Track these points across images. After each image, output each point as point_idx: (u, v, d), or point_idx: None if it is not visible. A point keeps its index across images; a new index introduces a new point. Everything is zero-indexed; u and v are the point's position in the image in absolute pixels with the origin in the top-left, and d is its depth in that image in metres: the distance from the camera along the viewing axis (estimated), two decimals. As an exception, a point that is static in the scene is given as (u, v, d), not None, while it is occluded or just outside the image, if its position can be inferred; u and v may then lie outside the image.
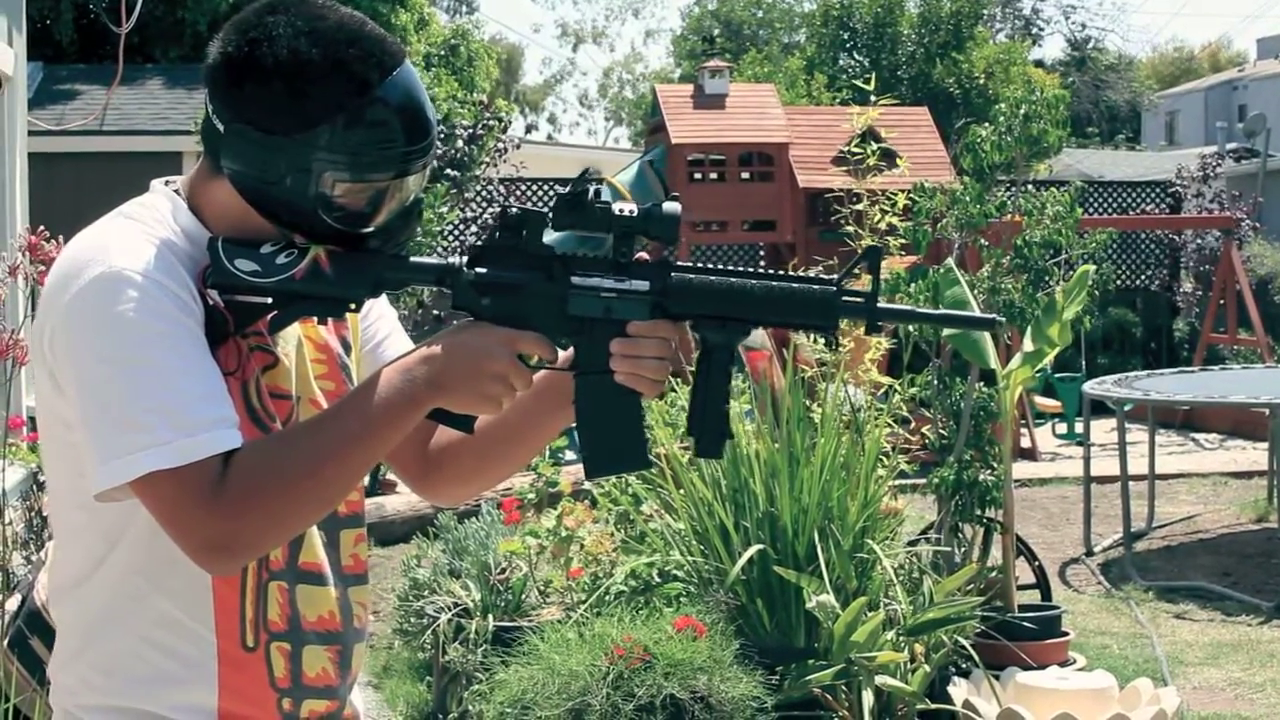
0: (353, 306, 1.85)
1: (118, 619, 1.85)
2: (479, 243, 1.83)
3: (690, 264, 1.82)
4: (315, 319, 1.89)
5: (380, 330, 2.07)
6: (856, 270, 1.86)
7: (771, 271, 1.83)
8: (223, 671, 1.85)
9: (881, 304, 1.84)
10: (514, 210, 1.81)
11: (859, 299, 1.82)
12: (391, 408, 1.76)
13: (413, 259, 1.87)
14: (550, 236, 1.82)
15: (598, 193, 1.77)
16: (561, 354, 1.86)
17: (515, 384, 1.80)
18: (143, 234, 1.80)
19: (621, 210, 1.78)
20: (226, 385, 1.78)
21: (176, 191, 1.90)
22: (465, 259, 1.83)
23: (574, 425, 1.89)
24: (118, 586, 1.84)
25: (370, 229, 1.85)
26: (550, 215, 1.80)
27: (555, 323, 1.80)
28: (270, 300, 1.82)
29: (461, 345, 1.78)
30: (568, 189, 1.78)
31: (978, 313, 1.90)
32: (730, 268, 1.82)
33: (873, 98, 7.32)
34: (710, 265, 1.83)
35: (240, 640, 1.86)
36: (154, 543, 1.78)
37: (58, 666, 1.91)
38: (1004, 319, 1.81)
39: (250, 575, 1.85)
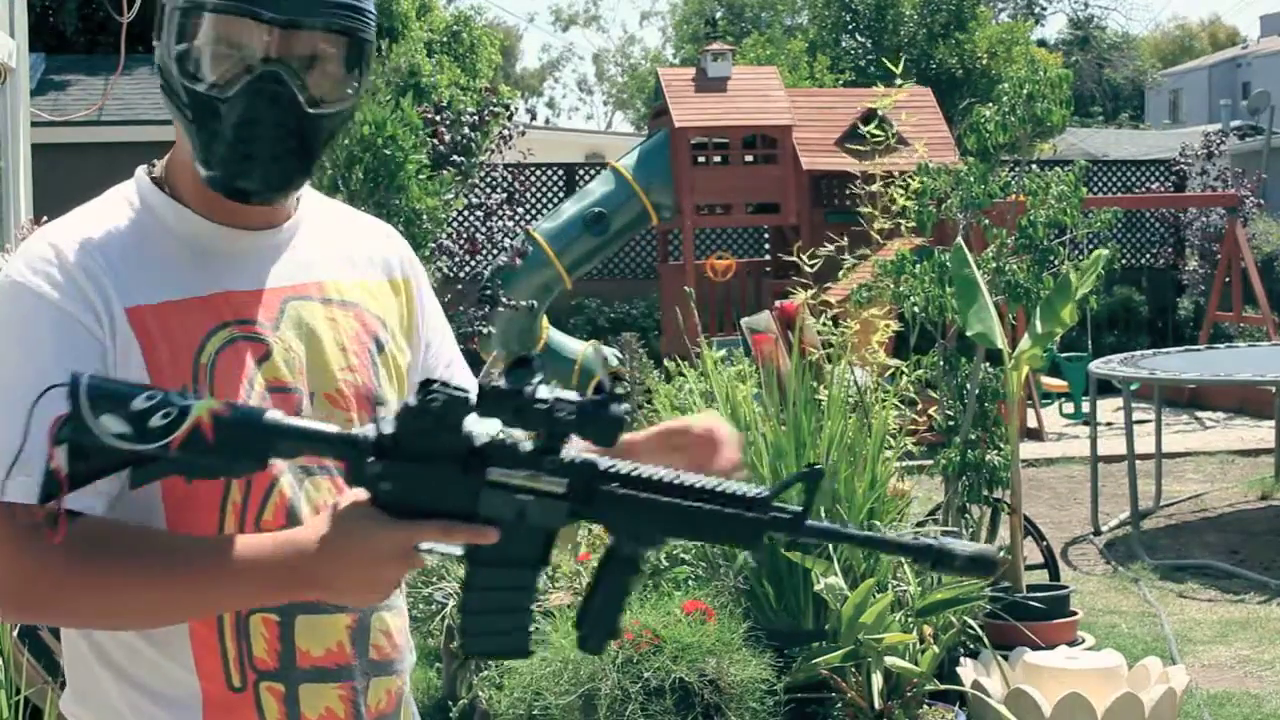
0: (234, 475, 1.67)
1: (107, 658, 1.74)
2: (393, 428, 1.61)
3: (620, 471, 1.66)
4: (186, 479, 1.65)
5: (434, 356, 1.96)
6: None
7: (707, 486, 1.67)
8: (209, 717, 1.72)
9: (810, 523, 1.69)
10: (438, 400, 1.60)
11: (788, 516, 1.68)
12: (257, 587, 1.62)
13: (314, 428, 1.63)
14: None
15: (535, 389, 1.59)
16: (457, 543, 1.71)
17: (408, 574, 1.64)
18: (71, 236, 1.70)
19: (559, 411, 1.60)
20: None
21: (154, 175, 1.80)
22: (374, 433, 1.62)
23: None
24: None
25: (216, 94, 1.68)
26: (476, 402, 1.61)
27: (462, 516, 1.64)
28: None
29: (354, 549, 1.59)
30: (502, 377, 1.61)
31: (914, 539, 1.76)
32: (665, 475, 1.67)
33: (898, 81, 7.30)
34: (641, 471, 1.67)
35: (225, 682, 1.72)
36: None
37: (63, 703, 1.81)
38: (939, 552, 1.67)
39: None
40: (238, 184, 1.71)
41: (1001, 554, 5.96)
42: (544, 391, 1.61)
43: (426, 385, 1.60)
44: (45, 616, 1.65)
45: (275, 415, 1.62)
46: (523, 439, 1.63)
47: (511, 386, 1.60)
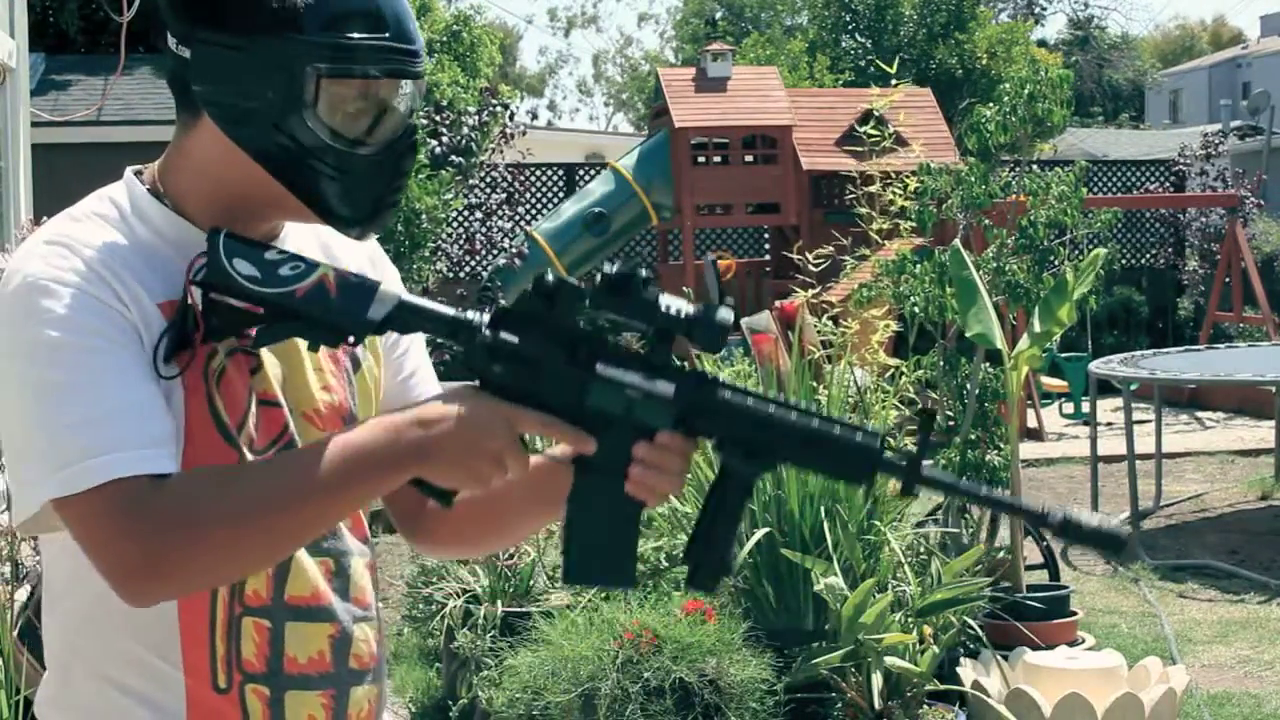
0: (351, 340, 1.69)
1: (84, 657, 1.73)
2: (505, 304, 1.65)
3: (728, 382, 1.64)
4: (309, 345, 1.72)
5: (409, 364, 1.94)
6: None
7: (813, 410, 1.64)
8: (193, 717, 1.70)
9: (925, 470, 1.65)
10: (550, 279, 1.62)
11: (902, 460, 1.64)
12: (370, 468, 1.62)
13: (429, 304, 1.69)
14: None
15: (647, 280, 1.60)
16: (562, 446, 1.72)
17: (510, 467, 1.64)
18: (78, 236, 1.66)
19: (668, 307, 1.60)
20: (178, 393, 1.64)
21: (144, 180, 1.76)
22: (486, 317, 1.66)
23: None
24: (84, 619, 1.72)
25: (365, 152, 1.69)
26: (589, 290, 1.61)
27: (569, 409, 1.63)
28: (260, 311, 1.66)
29: (461, 416, 1.62)
30: (615, 270, 1.61)
31: (1028, 502, 1.69)
32: (771, 395, 1.64)
33: (894, 81, 7.32)
34: (748, 388, 1.64)
35: (211, 681, 1.70)
36: None
37: (40, 702, 1.80)
38: (1062, 516, 1.59)
39: (220, 608, 1.70)
40: (372, 227, 1.77)
41: (1002, 554, 5.96)
42: (651, 290, 1.61)
43: (540, 275, 1.63)
44: (176, 574, 1.57)
45: (392, 287, 1.68)
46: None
47: (623, 272, 1.60)
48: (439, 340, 1.73)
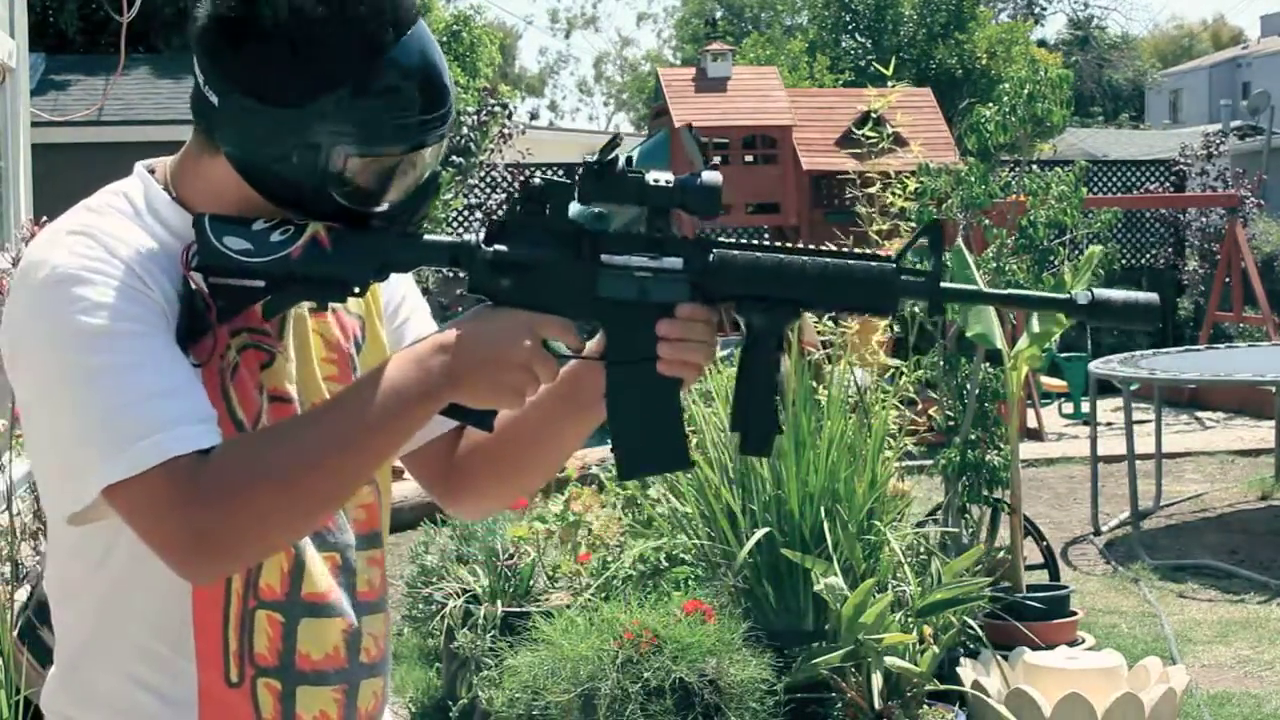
0: (356, 290, 1.67)
1: (96, 650, 1.72)
2: (498, 218, 1.64)
3: (731, 240, 1.65)
4: (316, 305, 1.73)
5: (410, 333, 1.91)
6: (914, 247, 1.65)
7: (822, 249, 1.65)
8: (204, 710, 1.70)
9: (946, 284, 1.64)
10: (537, 182, 1.63)
11: (920, 278, 1.62)
12: (403, 401, 1.61)
13: (424, 237, 1.69)
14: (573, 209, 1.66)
15: (629, 160, 1.61)
16: (589, 344, 1.71)
17: (539, 373, 1.64)
18: (101, 226, 1.65)
19: (656, 180, 1.61)
20: (200, 379, 1.64)
21: (157, 177, 1.75)
22: (482, 237, 1.66)
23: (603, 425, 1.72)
24: (98, 613, 1.71)
25: (383, 207, 1.69)
26: (576, 186, 1.62)
27: (583, 306, 1.63)
28: (262, 284, 1.64)
29: (479, 332, 1.63)
30: (595, 156, 1.61)
31: (1054, 294, 1.66)
32: (776, 244, 1.64)
33: (890, 83, 7.31)
34: (752, 242, 1.65)
35: (224, 673, 1.70)
36: (134, 566, 1.64)
37: (47, 696, 1.78)
38: (1090, 297, 1.56)
39: (235, 600, 1.70)
40: None
41: (1002, 554, 5.96)
42: (636, 169, 1.61)
43: (526, 179, 1.64)
44: (234, 545, 1.57)
45: (387, 230, 1.68)
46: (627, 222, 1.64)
47: (603, 159, 1.60)
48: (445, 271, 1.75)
